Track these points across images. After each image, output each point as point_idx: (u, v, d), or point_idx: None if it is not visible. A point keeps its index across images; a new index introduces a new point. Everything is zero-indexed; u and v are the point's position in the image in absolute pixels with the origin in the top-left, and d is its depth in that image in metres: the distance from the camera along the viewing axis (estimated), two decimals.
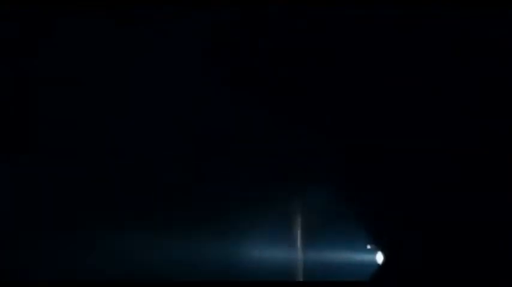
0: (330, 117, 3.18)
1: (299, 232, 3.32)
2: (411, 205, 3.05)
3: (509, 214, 2.93)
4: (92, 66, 3.12)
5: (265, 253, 3.23)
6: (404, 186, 3.07)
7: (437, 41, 3.08)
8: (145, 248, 3.06)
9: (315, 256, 3.19)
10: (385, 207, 3.07)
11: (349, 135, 3.16)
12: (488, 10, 2.97)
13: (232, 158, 3.16)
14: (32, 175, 3.04)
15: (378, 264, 3.09)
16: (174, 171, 3.15)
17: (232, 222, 3.22)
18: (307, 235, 3.33)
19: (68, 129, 3.11)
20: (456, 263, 2.93)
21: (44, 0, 3.01)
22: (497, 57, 3.02)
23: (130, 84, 3.15)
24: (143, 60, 3.16)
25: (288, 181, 3.26)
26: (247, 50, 3.17)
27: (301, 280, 3.19)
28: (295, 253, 3.28)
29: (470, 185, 3.01)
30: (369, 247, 3.11)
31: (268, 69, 3.19)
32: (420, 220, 3.02)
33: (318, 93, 3.18)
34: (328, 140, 3.17)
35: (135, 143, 3.13)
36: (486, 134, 3.02)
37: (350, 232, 3.13)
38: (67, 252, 3.01)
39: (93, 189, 3.08)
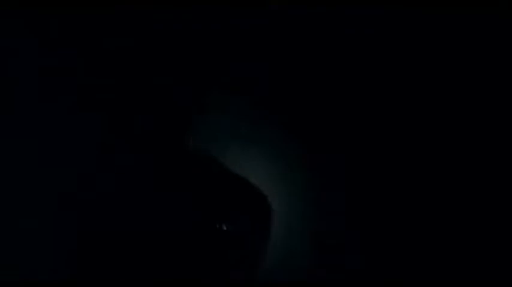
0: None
1: None
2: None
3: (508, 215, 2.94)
4: (92, 65, 3.13)
5: None
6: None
7: (438, 41, 3.10)
8: None
9: None
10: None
11: (348, 136, 3.16)
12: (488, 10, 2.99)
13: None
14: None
15: None
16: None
17: None
18: None
19: (66, 129, 3.11)
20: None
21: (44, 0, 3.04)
22: (497, 58, 3.04)
23: (130, 84, 3.16)
24: (142, 60, 3.17)
25: None
26: (246, 51, 3.19)
27: None
28: None
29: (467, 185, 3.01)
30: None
31: (267, 72, 3.20)
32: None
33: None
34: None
35: (134, 142, 3.13)
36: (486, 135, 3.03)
37: None
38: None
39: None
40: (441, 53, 3.09)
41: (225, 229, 2.86)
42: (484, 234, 2.94)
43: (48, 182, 3.06)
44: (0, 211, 2.96)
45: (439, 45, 3.08)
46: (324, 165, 3.16)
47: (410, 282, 2.93)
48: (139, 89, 3.17)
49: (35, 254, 2.97)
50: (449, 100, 3.08)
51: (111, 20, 3.11)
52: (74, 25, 3.10)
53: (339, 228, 3.08)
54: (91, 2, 3.05)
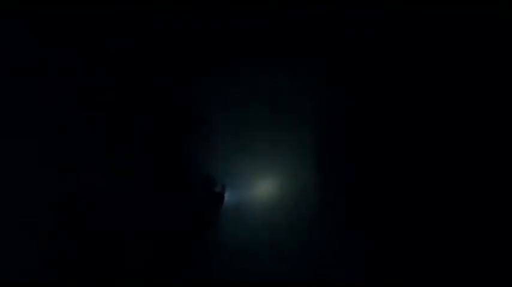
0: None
1: None
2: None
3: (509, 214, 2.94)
4: (91, 64, 3.13)
5: None
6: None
7: (438, 41, 3.10)
8: None
9: None
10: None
11: (349, 136, 3.16)
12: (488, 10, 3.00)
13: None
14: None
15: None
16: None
17: None
18: None
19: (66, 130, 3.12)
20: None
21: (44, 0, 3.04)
22: (497, 58, 3.04)
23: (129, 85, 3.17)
24: (142, 61, 3.17)
25: None
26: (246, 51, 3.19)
27: None
28: None
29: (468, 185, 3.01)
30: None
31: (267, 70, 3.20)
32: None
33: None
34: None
35: (133, 142, 3.14)
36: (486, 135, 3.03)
37: None
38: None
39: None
40: (441, 53, 3.09)
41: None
42: (484, 234, 2.94)
43: (47, 180, 3.06)
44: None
45: (439, 45, 3.08)
46: (324, 165, 3.16)
47: (410, 282, 2.93)
48: (140, 89, 3.17)
49: (34, 254, 2.97)
50: (449, 99, 3.08)
51: (111, 20, 3.11)
52: (74, 25, 3.10)
53: (341, 229, 3.08)
54: (91, 2, 3.05)
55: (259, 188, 3.19)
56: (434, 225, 2.99)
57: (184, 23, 3.13)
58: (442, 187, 3.02)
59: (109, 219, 3.05)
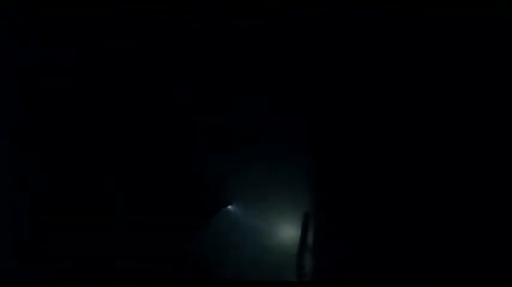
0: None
1: None
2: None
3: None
4: (93, 64, 3.14)
5: None
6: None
7: (438, 41, 3.10)
8: None
9: None
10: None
11: (348, 136, 3.17)
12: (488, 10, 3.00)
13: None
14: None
15: None
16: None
17: None
18: None
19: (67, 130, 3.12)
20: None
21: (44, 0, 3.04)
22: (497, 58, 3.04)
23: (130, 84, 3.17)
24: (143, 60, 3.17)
25: None
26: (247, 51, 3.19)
27: None
28: None
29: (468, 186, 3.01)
30: None
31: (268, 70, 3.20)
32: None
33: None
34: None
35: (136, 141, 3.14)
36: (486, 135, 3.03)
37: None
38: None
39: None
40: (441, 53, 3.09)
41: None
42: (483, 234, 2.94)
43: (47, 180, 3.07)
44: None
45: (439, 45, 3.09)
46: (324, 165, 3.16)
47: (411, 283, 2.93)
48: (140, 89, 3.17)
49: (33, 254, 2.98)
50: (449, 99, 3.08)
51: (111, 20, 3.11)
52: (74, 25, 3.10)
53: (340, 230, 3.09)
54: (91, 2, 3.05)
55: (256, 186, 3.20)
56: (433, 225, 3.00)
57: (184, 23, 3.13)
58: (441, 188, 3.02)
59: (108, 219, 3.06)
